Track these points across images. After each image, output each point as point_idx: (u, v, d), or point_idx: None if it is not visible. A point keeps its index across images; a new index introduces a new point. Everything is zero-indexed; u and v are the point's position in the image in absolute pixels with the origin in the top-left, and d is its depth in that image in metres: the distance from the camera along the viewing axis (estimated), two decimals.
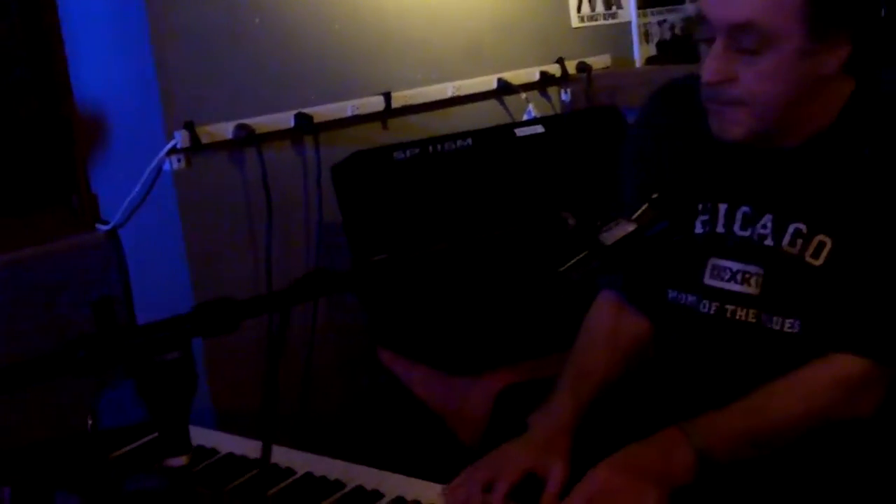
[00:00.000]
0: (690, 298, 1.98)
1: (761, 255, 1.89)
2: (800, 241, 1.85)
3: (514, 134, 3.20)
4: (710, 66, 1.77)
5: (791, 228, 1.86)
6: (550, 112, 3.91)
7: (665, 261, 2.01)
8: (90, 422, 2.13)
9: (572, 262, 1.51)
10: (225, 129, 3.05)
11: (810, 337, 1.84)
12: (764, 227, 1.89)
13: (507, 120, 3.73)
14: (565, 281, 1.55)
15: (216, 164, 3.07)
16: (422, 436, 2.74)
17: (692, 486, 1.72)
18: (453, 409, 2.72)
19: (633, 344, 2.12)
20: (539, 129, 3.23)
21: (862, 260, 1.79)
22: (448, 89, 3.58)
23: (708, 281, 1.95)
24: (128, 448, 2.01)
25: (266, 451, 1.24)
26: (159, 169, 2.99)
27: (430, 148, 3.04)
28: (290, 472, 1.83)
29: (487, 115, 3.69)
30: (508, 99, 3.76)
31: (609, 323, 2.13)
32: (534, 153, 3.17)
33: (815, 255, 1.83)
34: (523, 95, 3.74)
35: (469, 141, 3.09)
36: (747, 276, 1.90)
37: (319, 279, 1.29)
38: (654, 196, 1.59)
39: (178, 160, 2.98)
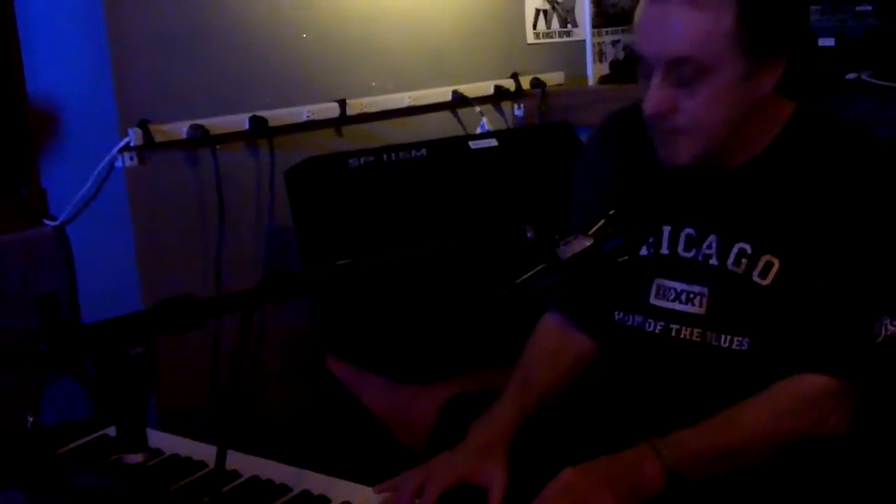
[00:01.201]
0: (637, 319, 2.00)
1: (706, 275, 1.91)
2: (745, 261, 1.87)
3: (469, 146, 3.22)
4: (651, 99, 1.80)
5: (736, 249, 1.88)
6: (503, 126, 3.92)
7: (611, 283, 2.04)
8: (31, 418, 2.11)
9: (529, 274, 1.52)
10: (179, 129, 3.03)
11: (760, 354, 1.86)
12: (709, 247, 1.92)
13: (461, 132, 3.74)
14: (518, 293, 1.55)
15: (169, 164, 3.05)
16: (368, 443, 2.74)
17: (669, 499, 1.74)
18: (399, 417, 2.72)
19: (575, 361, 2.14)
20: (493, 142, 3.25)
21: (811, 279, 1.82)
22: (404, 99, 3.58)
23: (653, 301, 1.98)
24: (73, 445, 1.99)
25: (221, 454, 1.23)
26: (111, 166, 2.97)
27: (385, 157, 3.05)
28: (236, 475, 1.82)
29: (441, 126, 3.70)
30: (462, 111, 3.77)
31: (553, 341, 2.16)
32: (487, 166, 3.19)
33: (763, 274, 1.85)
34: (477, 108, 3.75)
35: (424, 151, 3.10)
36: (692, 295, 1.93)
37: (283, 281, 1.29)
38: (612, 212, 1.61)
39: (131, 158, 2.96)
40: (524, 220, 1.61)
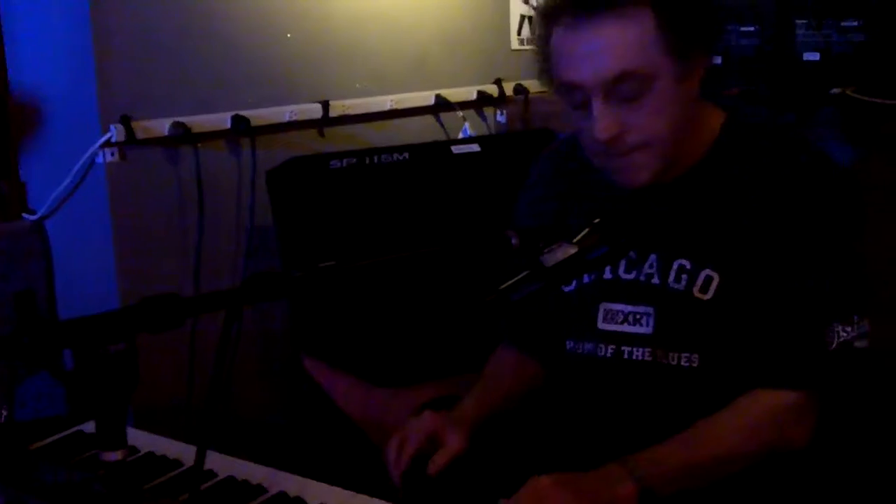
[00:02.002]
0: (588, 346, 2.00)
1: (650, 294, 1.91)
2: (685, 277, 1.87)
3: (451, 151, 3.22)
4: (600, 125, 1.78)
5: (675, 265, 1.88)
6: (486, 131, 3.93)
7: (559, 313, 2.04)
8: (5, 413, 2.10)
9: (512, 281, 1.52)
10: (161, 126, 3.03)
11: (710, 370, 1.87)
12: (650, 266, 1.92)
13: (442, 136, 3.74)
14: (502, 300, 1.55)
15: (150, 160, 3.05)
16: (344, 444, 2.74)
17: None
18: (374, 419, 2.72)
19: (534, 377, 2.18)
20: (475, 147, 3.25)
21: (753, 291, 1.82)
22: (386, 102, 3.58)
23: (601, 326, 1.97)
24: (47, 441, 1.98)
25: (201, 453, 1.23)
26: (92, 161, 2.96)
27: (367, 159, 3.04)
28: (211, 474, 1.82)
29: (423, 130, 3.70)
30: (445, 116, 3.77)
31: (512, 361, 2.19)
32: (469, 171, 3.19)
33: (704, 289, 1.85)
34: (460, 113, 3.75)
35: (406, 155, 3.10)
36: (638, 316, 1.93)
37: (266, 282, 1.28)
38: (597, 220, 1.61)
39: (112, 153, 2.95)
40: (505, 226, 1.61)
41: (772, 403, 1.83)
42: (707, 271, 1.85)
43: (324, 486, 1.79)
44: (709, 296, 1.85)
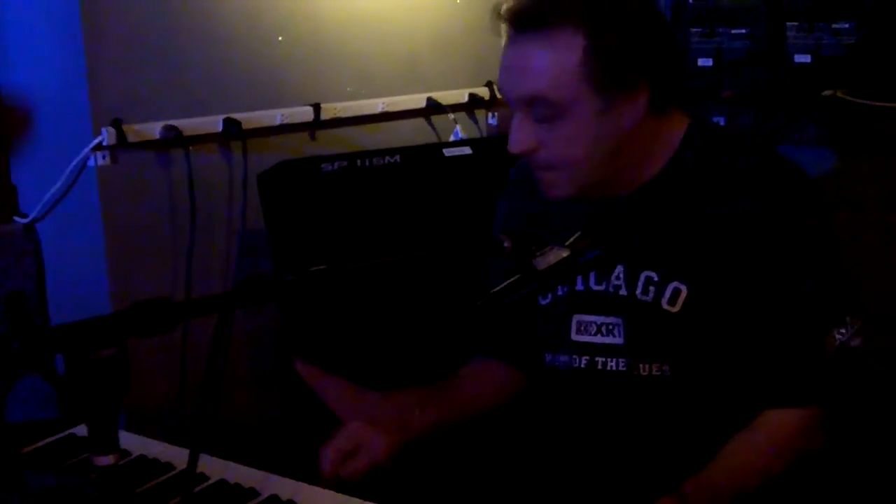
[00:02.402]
0: (563, 358, 2.00)
1: (618, 306, 1.91)
2: (652, 289, 1.87)
3: (443, 154, 3.21)
4: (513, 137, 1.82)
5: (643, 277, 1.88)
6: (477, 134, 3.93)
7: (535, 326, 2.05)
8: None
9: (504, 284, 1.52)
10: (152, 129, 3.03)
11: (681, 379, 1.87)
12: (617, 278, 1.92)
13: (434, 139, 3.75)
14: (494, 304, 1.55)
15: (142, 164, 3.04)
16: None
17: None
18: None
19: (498, 385, 2.18)
20: (467, 150, 3.25)
21: (724, 304, 1.81)
22: (378, 105, 3.58)
23: (575, 337, 1.98)
24: (39, 444, 1.98)
25: (193, 457, 1.23)
26: (83, 164, 2.96)
27: (359, 162, 3.04)
28: (203, 477, 1.81)
29: (415, 133, 3.70)
30: (436, 118, 3.78)
31: (479, 366, 2.19)
32: (461, 174, 3.19)
33: (672, 302, 1.85)
34: (451, 116, 3.75)
35: (398, 157, 3.10)
36: (610, 327, 1.93)
37: (259, 285, 1.28)
38: (587, 224, 1.61)
39: (104, 157, 2.95)
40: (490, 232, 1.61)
41: (794, 423, 1.84)
42: (675, 284, 1.84)
43: (316, 489, 1.79)
44: (677, 308, 1.84)
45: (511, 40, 1.80)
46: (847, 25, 2.81)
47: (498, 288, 1.50)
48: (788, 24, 2.89)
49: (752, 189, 1.80)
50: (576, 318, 1.97)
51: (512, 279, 1.53)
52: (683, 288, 1.83)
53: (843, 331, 1.81)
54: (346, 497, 1.76)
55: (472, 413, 2.10)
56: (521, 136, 1.81)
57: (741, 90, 2.89)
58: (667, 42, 1.84)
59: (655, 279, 1.86)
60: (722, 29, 3.07)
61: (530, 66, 1.76)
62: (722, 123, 3.09)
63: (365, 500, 1.75)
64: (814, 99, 2.87)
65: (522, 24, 1.77)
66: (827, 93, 2.85)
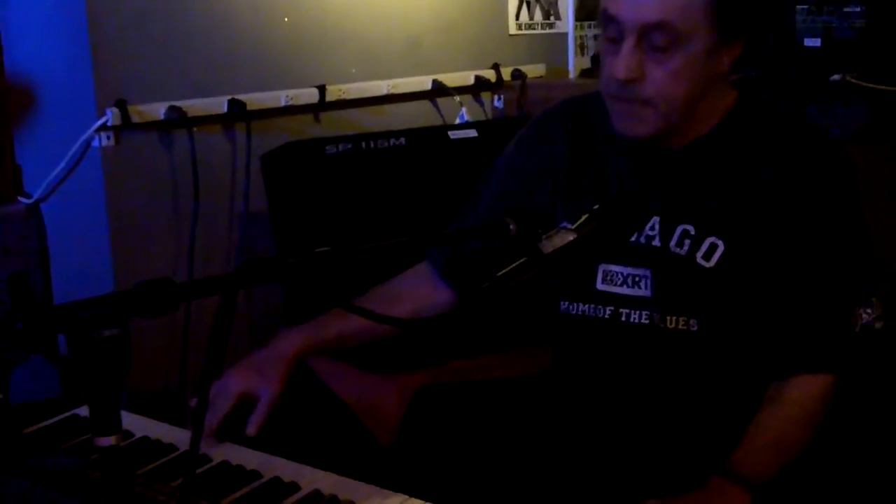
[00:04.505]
0: (584, 307, 2.00)
1: (650, 257, 1.92)
2: (688, 242, 1.88)
3: (448, 136, 3.20)
4: (621, 64, 1.80)
5: (679, 230, 1.89)
6: (482, 117, 3.92)
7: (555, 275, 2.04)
8: (0, 396, 2.09)
9: (510, 268, 1.51)
10: (157, 110, 3.02)
11: (708, 335, 1.87)
12: (652, 228, 1.92)
13: (439, 121, 3.74)
14: (499, 287, 1.54)
15: (146, 144, 3.04)
16: (337, 430, 2.73)
17: None
18: (366, 405, 2.71)
19: (422, 303, 2.19)
20: (472, 133, 3.24)
21: (759, 265, 1.83)
22: (383, 87, 3.57)
23: (600, 287, 1.98)
24: (41, 424, 1.97)
25: (195, 438, 1.22)
26: (87, 145, 2.96)
27: (363, 144, 3.03)
28: (206, 459, 1.81)
29: (420, 115, 3.70)
30: (442, 101, 3.77)
31: (424, 280, 2.21)
32: (466, 157, 3.18)
33: (707, 257, 1.86)
34: (457, 98, 3.74)
35: (402, 140, 3.09)
36: (637, 279, 1.93)
37: (262, 267, 1.28)
38: (596, 207, 1.60)
39: (108, 137, 2.95)
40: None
41: (818, 391, 1.84)
42: (712, 239, 1.86)
43: (318, 471, 1.78)
44: (711, 264, 1.86)
45: None
46: (857, 9, 2.79)
47: (503, 271, 1.48)
48: (798, 7, 2.87)
49: (796, 160, 1.84)
50: (602, 267, 1.97)
51: (518, 262, 1.52)
52: (720, 244, 1.85)
53: (869, 311, 1.83)
54: (347, 479, 1.76)
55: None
56: (631, 63, 1.79)
57: (750, 74, 2.87)
58: (768, 4, 1.88)
59: (692, 233, 1.88)
60: None
61: None
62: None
63: (366, 482, 1.74)
64: (823, 83, 2.85)
65: None
66: (836, 77, 2.84)
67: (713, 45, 1.79)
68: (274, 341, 2.01)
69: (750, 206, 1.84)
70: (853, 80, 2.80)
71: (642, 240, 1.92)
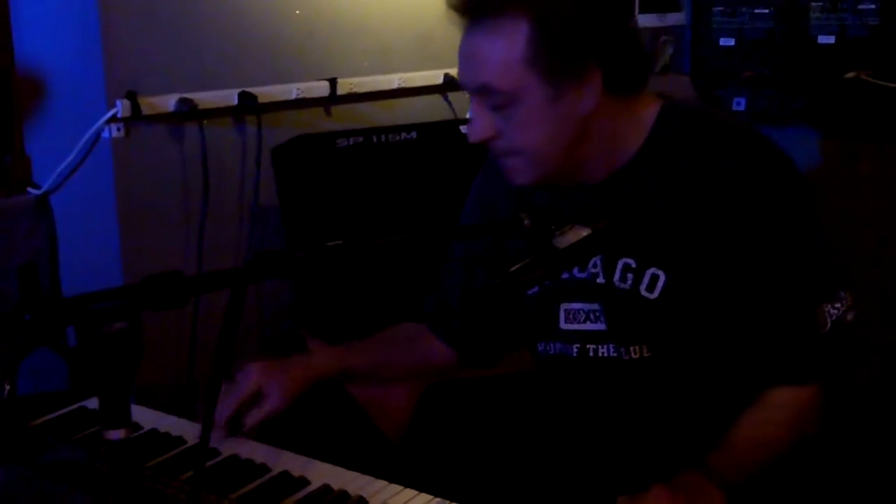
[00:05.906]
0: (556, 346, 2.00)
1: (597, 292, 1.90)
2: (630, 276, 1.85)
3: (459, 130, 3.20)
4: (471, 126, 1.82)
5: (620, 264, 1.86)
6: None
7: (525, 316, 2.03)
8: (7, 387, 2.09)
9: (523, 264, 1.50)
10: (167, 102, 3.01)
11: (663, 362, 1.87)
12: (594, 265, 1.90)
13: (450, 115, 3.72)
14: (512, 283, 1.53)
15: (156, 136, 3.03)
16: (347, 424, 2.73)
17: None
18: (376, 399, 2.71)
19: (428, 361, 2.20)
20: None
21: (705, 287, 1.80)
22: (394, 80, 3.56)
23: (564, 326, 1.97)
24: (49, 416, 1.97)
25: (205, 431, 1.22)
26: (97, 136, 2.95)
27: (374, 138, 3.03)
28: (215, 452, 1.81)
29: (431, 109, 3.68)
30: (453, 95, 3.75)
31: (413, 332, 2.22)
32: (477, 151, 3.16)
33: (650, 289, 1.83)
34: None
35: (414, 134, 3.09)
36: (596, 314, 1.92)
37: (272, 261, 1.27)
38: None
39: (118, 129, 2.94)
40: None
41: (799, 400, 1.84)
42: (653, 270, 1.83)
43: (327, 465, 1.78)
44: (655, 294, 1.83)
45: (466, 28, 1.78)
46: (872, 6, 2.78)
47: (515, 268, 1.48)
48: (813, 4, 2.86)
49: (728, 170, 1.78)
50: (563, 306, 1.96)
51: (529, 259, 1.51)
52: (661, 274, 1.82)
53: (837, 305, 1.80)
54: (355, 473, 1.76)
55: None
56: (479, 125, 1.81)
57: (762, 71, 2.86)
58: (618, 24, 1.82)
59: (633, 266, 1.85)
60: (744, 8, 3.03)
61: (477, 56, 1.76)
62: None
63: (375, 477, 1.74)
64: (837, 81, 2.84)
65: (468, 12, 1.77)
66: (850, 75, 2.82)
67: (549, 95, 1.74)
68: (310, 352, 2.02)
69: (687, 230, 1.80)
70: (867, 79, 2.79)
71: (589, 276, 1.91)
